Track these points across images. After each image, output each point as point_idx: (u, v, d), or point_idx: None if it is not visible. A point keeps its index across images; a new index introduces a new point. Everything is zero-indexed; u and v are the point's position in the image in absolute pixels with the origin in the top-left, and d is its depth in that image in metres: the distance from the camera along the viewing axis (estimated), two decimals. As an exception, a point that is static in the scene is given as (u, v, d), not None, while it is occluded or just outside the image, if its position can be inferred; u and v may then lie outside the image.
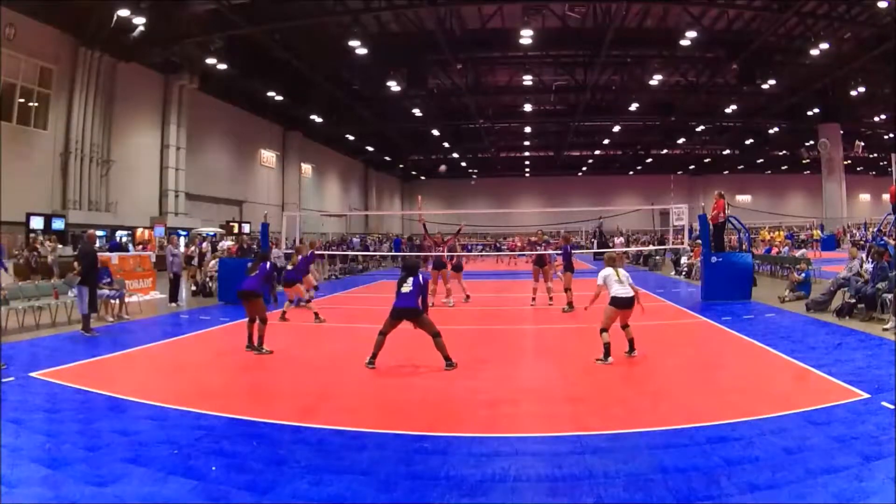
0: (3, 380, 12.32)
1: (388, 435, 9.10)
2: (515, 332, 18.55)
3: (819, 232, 65.66)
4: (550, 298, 24.08)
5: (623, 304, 13.74)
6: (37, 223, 37.08)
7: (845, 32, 44.90)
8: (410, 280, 13.53)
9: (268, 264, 16.27)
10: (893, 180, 30.46)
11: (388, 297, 14.08)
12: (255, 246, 33.54)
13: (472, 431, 9.16)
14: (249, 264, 16.54)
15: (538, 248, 25.67)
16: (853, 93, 55.71)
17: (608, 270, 14.24)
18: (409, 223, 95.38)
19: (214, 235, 41.59)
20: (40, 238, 35.41)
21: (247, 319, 15.67)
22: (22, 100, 37.95)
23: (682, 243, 32.99)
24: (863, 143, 73.45)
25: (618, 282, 13.92)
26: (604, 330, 13.61)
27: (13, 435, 9.06)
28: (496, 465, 7.81)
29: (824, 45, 44.14)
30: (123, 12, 36.06)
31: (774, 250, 39.11)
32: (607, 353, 13.39)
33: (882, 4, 36.18)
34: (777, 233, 65.29)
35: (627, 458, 7.97)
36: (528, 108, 65.89)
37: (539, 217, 78.00)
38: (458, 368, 13.06)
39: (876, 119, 66.64)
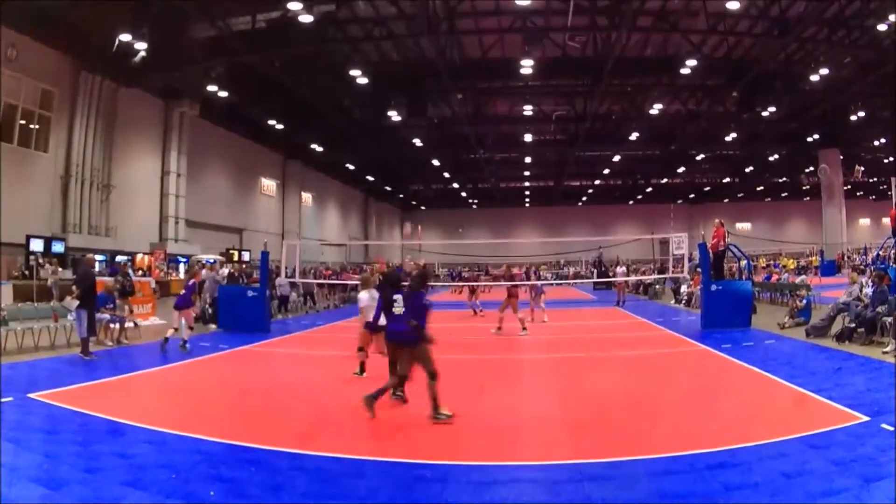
0: (1, 400, 12.32)
1: (386, 462, 9.02)
2: (512, 362, 18.39)
3: (818, 259, 65.62)
4: (545, 320, 24.14)
5: (376, 330, 13.77)
6: (36, 245, 37.17)
7: (845, 57, 45.03)
8: (399, 298, 12.33)
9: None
10: (893, 204, 30.53)
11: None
12: (253, 273, 33.68)
13: (470, 459, 9.12)
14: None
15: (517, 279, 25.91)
16: (853, 117, 56.00)
17: (364, 293, 15.53)
18: (409, 253, 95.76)
19: (214, 262, 41.71)
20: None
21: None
22: (23, 122, 38.20)
23: (682, 272, 33.03)
24: (862, 168, 73.65)
25: (371, 308, 14.21)
26: (360, 349, 15.05)
27: (11, 454, 9.05)
28: (495, 493, 7.76)
29: (824, 71, 44.34)
30: (125, 37, 36.22)
31: (774, 277, 39.10)
32: (362, 369, 14.93)
33: (882, 27, 36.31)
34: (790, 260, 65.54)
35: (626, 485, 7.94)
36: (528, 137, 65.98)
37: (539, 247, 78.43)
38: (457, 397, 12.67)
39: (876, 143, 66.88)
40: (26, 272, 34.99)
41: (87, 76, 41.52)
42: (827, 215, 70.82)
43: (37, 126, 39.47)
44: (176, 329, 20.80)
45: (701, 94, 54.81)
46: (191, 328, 20.99)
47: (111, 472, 8.43)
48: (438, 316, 21.43)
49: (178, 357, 19.00)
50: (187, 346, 20.04)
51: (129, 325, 23.90)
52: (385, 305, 12.56)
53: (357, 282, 29.49)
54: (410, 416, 11.65)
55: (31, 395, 12.97)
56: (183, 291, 21.60)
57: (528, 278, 38.49)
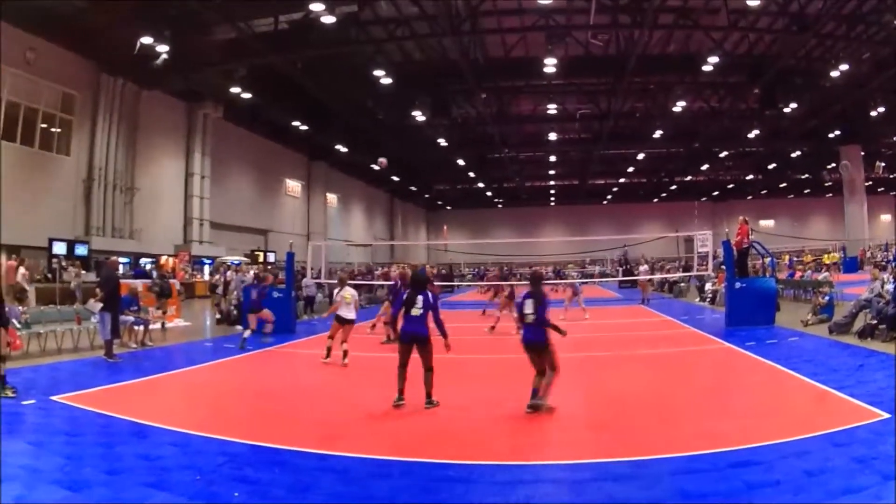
0: (24, 402, 12.45)
1: (411, 463, 8.99)
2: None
3: (837, 255, 65.07)
4: (586, 317, 24.97)
5: (341, 322, 18.16)
6: (59, 248, 37.34)
7: (864, 53, 44.86)
8: (420, 299, 12.34)
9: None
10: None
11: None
12: (279, 275, 33.79)
13: (494, 459, 9.08)
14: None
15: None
16: (873, 113, 55.55)
17: (337, 289, 19.92)
18: (435, 253, 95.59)
19: (239, 264, 41.78)
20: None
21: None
22: (44, 125, 38.36)
23: (707, 270, 32.93)
24: (883, 164, 73.40)
25: (346, 304, 18.35)
26: (330, 337, 18.33)
27: (33, 456, 9.12)
28: (519, 493, 7.74)
29: (844, 67, 44.16)
30: (146, 40, 36.21)
31: (798, 274, 38.89)
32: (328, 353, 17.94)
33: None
34: (830, 255, 65.21)
35: (649, 484, 7.92)
36: (552, 136, 65.70)
37: (564, 246, 78.32)
38: (480, 397, 12.95)
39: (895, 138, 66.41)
40: (49, 275, 35.11)
41: (109, 79, 41.72)
42: (849, 211, 70.65)
43: (58, 129, 39.70)
44: (253, 330, 21.73)
45: (723, 92, 54.66)
46: (272, 322, 22.96)
47: (134, 474, 8.44)
48: (465, 315, 21.56)
49: (202, 359, 19.12)
50: (270, 338, 22.36)
51: (156, 326, 24.26)
52: (406, 305, 12.34)
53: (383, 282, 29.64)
54: (433, 418, 11.60)
55: (54, 398, 13.01)
56: (254, 296, 22.57)
57: (558, 278, 38.61)
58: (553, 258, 77.98)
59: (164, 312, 26.65)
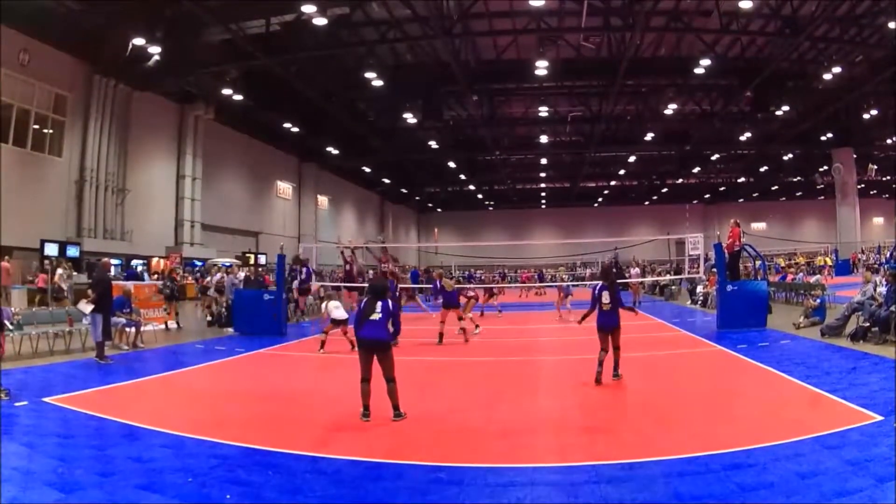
0: (16, 404, 12.44)
1: (404, 465, 8.99)
2: (528, 364, 18.28)
3: (828, 259, 64.88)
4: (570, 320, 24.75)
5: (336, 324, 20.52)
6: (51, 250, 37.22)
7: (857, 55, 44.93)
8: (379, 305, 11.79)
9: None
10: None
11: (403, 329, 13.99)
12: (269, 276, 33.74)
13: (488, 462, 9.09)
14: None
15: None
16: (866, 116, 55.70)
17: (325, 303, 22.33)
18: (426, 255, 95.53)
19: (230, 266, 41.71)
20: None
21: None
22: (36, 126, 38.25)
23: (698, 272, 32.95)
24: (876, 167, 73.43)
25: (335, 308, 20.66)
26: (325, 332, 20.77)
27: (26, 458, 9.09)
28: (512, 496, 7.74)
29: (837, 69, 44.25)
30: (139, 41, 36.24)
31: (789, 277, 38.90)
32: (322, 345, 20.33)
33: (893, 25, 36.17)
34: (822, 258, 65.06)
35: (643, 486, 7.92)
36: (543, 139, 65.51)
37: (555, 248, 78.34)
38: (474, 400, 12.97)
39: (889, 141, 66.35)
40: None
41: (101, 80, 41.50)
42: (841, 214, 70.70)
43: (50, 130, 39.56)
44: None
45: (715, 94, 54.70)
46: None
47: (126, 476, 8.45)
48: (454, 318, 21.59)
49: (193, 361, 19.06)
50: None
51: (158, 327, 24.41)
52: (364, 313, 11.87)
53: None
54: (427, 421, 11.62)
55: (46, 399, 12.99)
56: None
57: (542, 280, 38.59)
58: (544, 261, 78.03)
59: (171, 314, 27.49)
